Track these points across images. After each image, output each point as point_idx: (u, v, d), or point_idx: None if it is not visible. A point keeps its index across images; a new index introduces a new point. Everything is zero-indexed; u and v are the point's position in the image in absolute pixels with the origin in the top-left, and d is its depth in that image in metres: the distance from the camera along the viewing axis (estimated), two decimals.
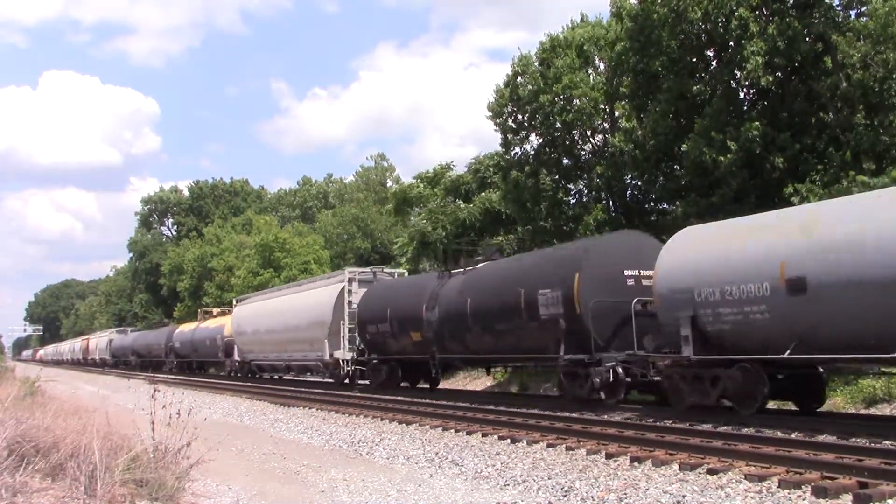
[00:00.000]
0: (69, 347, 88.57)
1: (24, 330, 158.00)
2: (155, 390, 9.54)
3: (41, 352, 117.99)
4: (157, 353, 49.36)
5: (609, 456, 10.13)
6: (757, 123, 17.09)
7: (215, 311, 44.05)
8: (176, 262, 63.78)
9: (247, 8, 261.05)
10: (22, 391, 13.91)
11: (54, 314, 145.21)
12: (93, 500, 6.45)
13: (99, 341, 68.54)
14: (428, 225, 30.65)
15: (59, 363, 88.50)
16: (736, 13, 17.49)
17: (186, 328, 44.75)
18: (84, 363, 73.91)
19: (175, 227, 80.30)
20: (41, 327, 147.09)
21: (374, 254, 48.69)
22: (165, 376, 41.55)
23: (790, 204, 15.61)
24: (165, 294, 67.70)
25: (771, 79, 17.58)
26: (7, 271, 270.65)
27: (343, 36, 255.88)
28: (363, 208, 52.91)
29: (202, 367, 45.11)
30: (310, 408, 19.70)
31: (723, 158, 17.21)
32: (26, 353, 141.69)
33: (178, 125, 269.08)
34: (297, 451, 12.77)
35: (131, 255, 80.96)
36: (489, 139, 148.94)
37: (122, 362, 59.89)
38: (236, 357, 33.71)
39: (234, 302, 35.92)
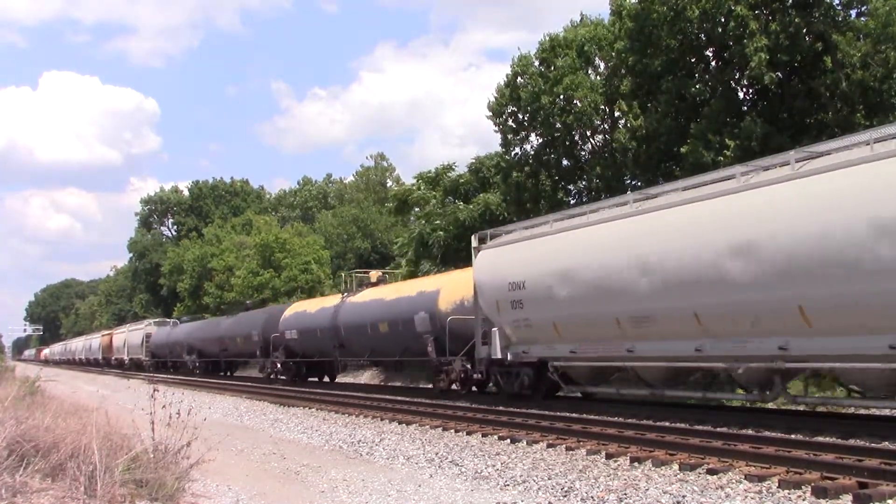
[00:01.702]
0: (83, 346, 76.33)
1: (24, 330, 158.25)
2: (154, 390, 9.54)
3: (46, 351, 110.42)
4: (245, 351, 33.31)
5: (609, 456, 10.13)
6: (761, 120, 17.10)
7: (374, 274, 26.47)
8: (176, 263, 63.78)
9: (246, 8, 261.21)
10: (22, 391, 13.90)
11: (54, 314, 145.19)
12: (93, 501, 6.44)
13: (129, 337, 54.57)
14: (427, 227, 30.70)
15: (68, 364, 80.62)
16: (734, 12, 17.50)
17: (315, 306, 27.27)
18: (105, 365, 61.74)
19: (175, 227, 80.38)
20: (41, 327, 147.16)
21: (374, 254, 48.77)
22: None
23: None
24: (165, 294, 67.74)
25: (773, 77, 17.59)
26: (7, 271, 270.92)
27: (343, 36, 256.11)
28: (363, 208, 52.98)
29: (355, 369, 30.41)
30: (310, 408, 19.68)
31: (721, 158, 17.22)
32: (28, 353, 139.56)
33: (178, 125, 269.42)
34: (297, 451, 12.76)
35: (131, 255, 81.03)
36: (489, 139, 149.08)
37: (168, 364, 46.93)
38: (496, 351, 16.26)
39: (476, 241, 17.41)
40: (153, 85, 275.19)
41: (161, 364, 48.35)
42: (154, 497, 7.23)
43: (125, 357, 54.83)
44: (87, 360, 70.98)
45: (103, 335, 65.61)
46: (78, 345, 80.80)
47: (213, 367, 40.72)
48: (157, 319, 54.50)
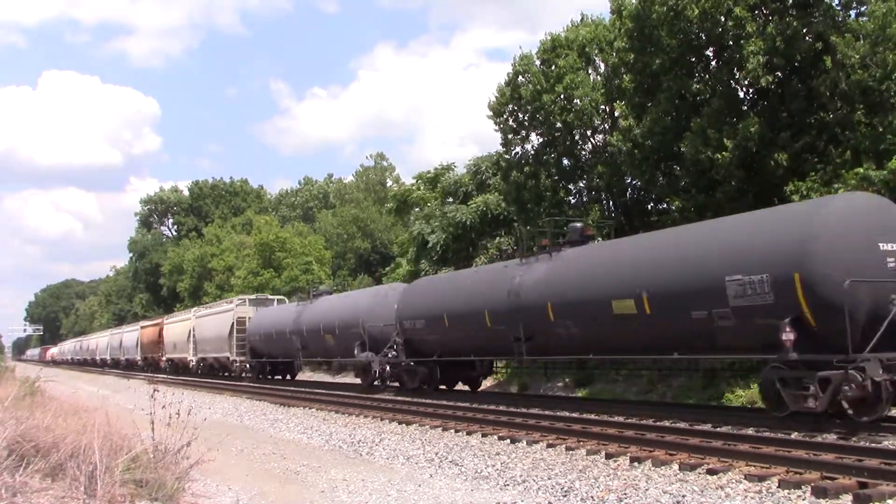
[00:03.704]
0: (107, 342, 59.48)
1: (24, 330, 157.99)
2: (154, 390, 9.54)
3: (54, 350, 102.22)
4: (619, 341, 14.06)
5: (609, 456, 10.13)
6: (756, 119, 17.08)
7: None
8: (176, 263, 63.78)
9: (246, 8, 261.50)
10: (22, 391, 13.89)
11: (54, 314, 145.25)
12: (93, 500, 6.44)
13: (199, 325, 36.30)
14: (427, 227, 30.70)
15: (83, 365, 69.52)
16: (733, 12, 17.47)
17: None
18: (150, 369, 44.55)
19: (175, 227, 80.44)
20: (41, 327, 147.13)
21: (374, 254, 48.73)
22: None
23: (790, 201, 15.59)
24: (165, 294, 67.74)
25: (770, 79, 17.56)
26: (7, 271, 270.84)
27: (342, 36, 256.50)
28: (363, 208, 52.96)
29: None
30: (309, 408, 19.67)
31: (720, 157, 17.20)
32: (31, 353, 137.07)
33: (178, 125, 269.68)
34: (297, 451, 12.76)
35: (131, 255, 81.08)
36: (489, 139, 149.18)
37: (295, 367, 29.90)
38: None
39: None
40: (153, 85, 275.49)
41: (273, 368, 30.64)
42: (154, 497, 7.22)
43: (190, 357, 37.01)
44: (116, 361, 53.89)
45: (144, 327, 47.67)
46: (101, 341, 62.69)
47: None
48: (252, 296, 34.96)
